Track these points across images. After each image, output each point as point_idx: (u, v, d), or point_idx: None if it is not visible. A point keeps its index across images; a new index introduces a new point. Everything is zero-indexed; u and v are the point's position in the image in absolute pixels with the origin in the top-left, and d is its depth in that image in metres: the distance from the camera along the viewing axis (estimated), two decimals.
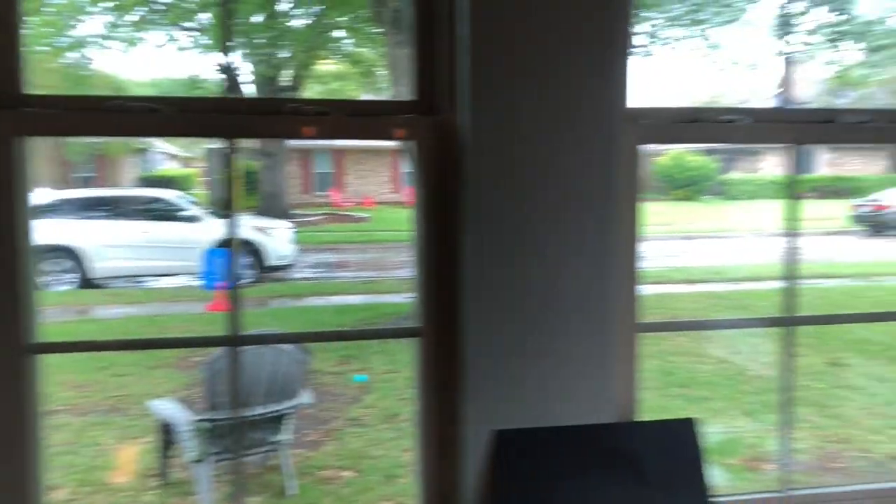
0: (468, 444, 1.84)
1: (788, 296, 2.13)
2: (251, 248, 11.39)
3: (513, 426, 1.81)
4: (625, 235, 1.89)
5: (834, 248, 13.92)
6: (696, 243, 14.68)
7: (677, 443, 1.86)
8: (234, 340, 1.85)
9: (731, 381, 6.75)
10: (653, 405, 6.01)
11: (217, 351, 4.70)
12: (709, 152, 21.56)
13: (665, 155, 21.99)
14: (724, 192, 20.55)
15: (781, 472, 2.18)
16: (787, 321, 2.13)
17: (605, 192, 1.82)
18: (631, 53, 1.89)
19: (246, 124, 1.77)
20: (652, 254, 13.30)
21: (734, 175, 21.60)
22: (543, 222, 1.80)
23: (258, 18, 13.01)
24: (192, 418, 4.48)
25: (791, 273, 2.14)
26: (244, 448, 4.53)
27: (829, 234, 15.42)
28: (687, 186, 21.25)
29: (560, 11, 1.77)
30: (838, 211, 17.11)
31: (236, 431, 4.31)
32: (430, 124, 1.81)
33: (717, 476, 4.46)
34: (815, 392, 6.40)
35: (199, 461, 4.28)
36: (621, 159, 1.85)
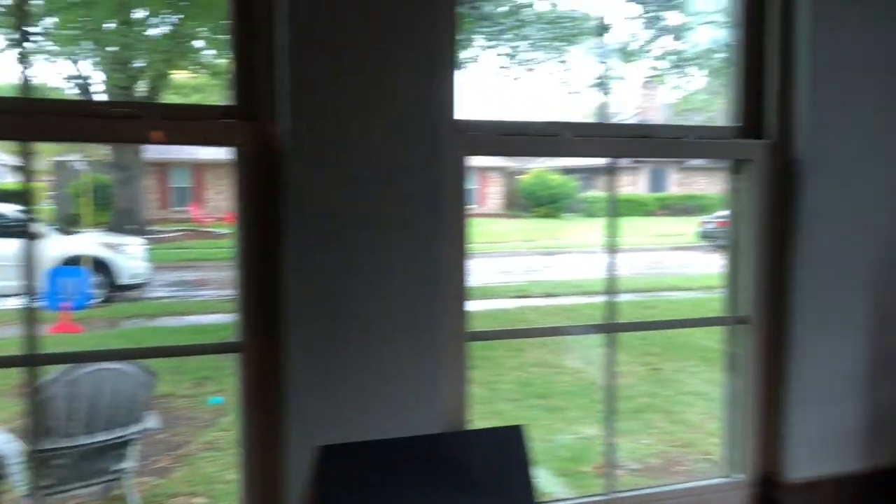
0: (292, 461, 1.78)
1: (610, 306, 2.21)
2: (101, 266, 10.76)
3: (339, 440, 1.77)
4: (453, 245, 1.90)
5: (683, 262, 14.77)
6: (558, 258, 15.18)
7: (505, 450, 1.87)
8: (31, 360, 1.71)
9: (586, 390, 6.97)
10: (512, 416, 6.11)
11: (52, 374, 4.37)
12: (568, 171, 22.41)
13: (528, 174, 22.69)
14: (584, 209, 21.41)
15: (608, 476, 2.25)
16: (612, 328, 2.21)
17: (430, 202, 1.82)
18: (458, 66, 1.91)
19: (44, 126, 1.65)
20: (514, 269, 13.64)
21: (593, 193, 22.54)
22: (368, 233, 1.78)
23: (111, 25, 12.41)
24: (25, 448, 4.13)
25: (612, 285, 2.22)
26: (84, 478, 4.22)
27: (678, 248, 16.37)
28: (549, 204, 21.99)
29: (385, 21, 1.77)
30: (687, 227, 18.19)
31: (74, 460, 4.01)
32: (250, 130, 1.75)
33: (564, 483, 4.59)
34: (663, 399, 6.71)
35: (31, 495, 3.96)
36: (448, 170, 1.86)
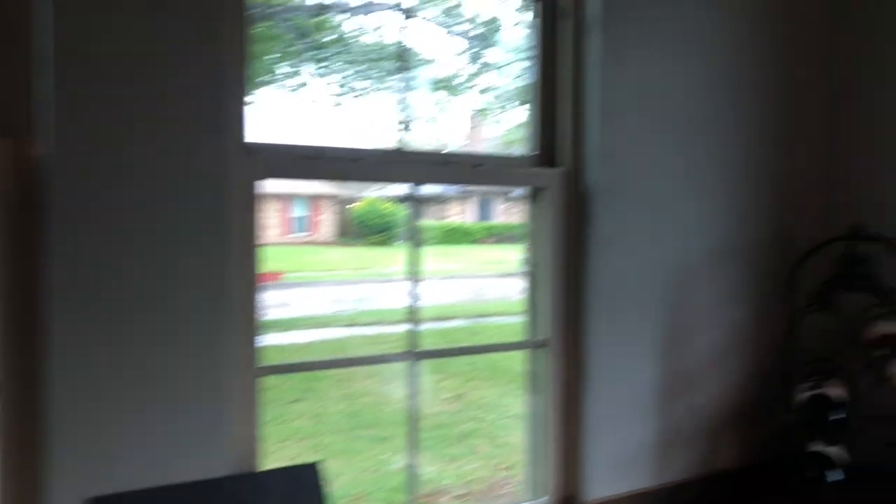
0: None
1: (413, 334, 2.19)
2: None
3: (112, 491, 1.60)
4: (241, 275, 1.79)
5: (508, 288, 15.27)
6: (387, 286, 15.22)
7: (298, 490, 1.78)
8: None
9: (411, 418, 6.95)
10: (339, 448, 5.98)
11: None
12: (401, 200, 22.62)
13: (360, 202, 22.67)
14: (416, 237, 21.68)
15: (409, 501, 2.21)
16: (414, 355, 2.19)
17: (215, 229, 1.72)
18: (253, 87, 1.82)
19: None
20: (345, 297, 13.50)
21: (424, 221, 22.89)
22: (143, 261, 1.64)
23: None
24: None
25: (415, 314, 2.20)
26: None
27: (504, 275, 16.90)
28: (381, 232, 22.05)
29: (165, 35, 1.65)
30: (512, 255, 18.85)
31: None
32: (2, 149, 1.57)
33: None
34: (488, 423, 6.82)
35: None
36: (236, 195, 1.76)
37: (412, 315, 2.19)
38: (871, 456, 2.35)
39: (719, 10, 2.53)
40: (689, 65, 2.48)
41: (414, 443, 2.21)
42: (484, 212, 25.49)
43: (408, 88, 2.14)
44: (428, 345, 2.21)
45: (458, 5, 3.04)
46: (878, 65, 2.67)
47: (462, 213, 24.79)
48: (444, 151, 2.28)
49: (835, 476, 2.28)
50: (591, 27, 2.29)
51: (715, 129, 2.54)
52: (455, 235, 22.51)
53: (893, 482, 2.38)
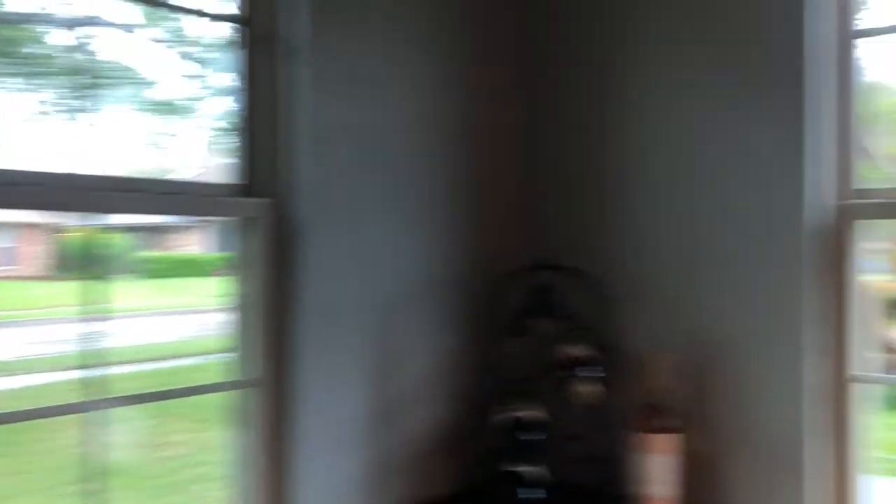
0: None
1: (112, 377, 2.01)
2: None
3: None
4: None
5: (230, 323, 14.72)
6: (106, 324, 14.01)
7: None
8: None
9: (129, 467, 6.45)
10: None
11: None
12: (127, 229, 21.09)
13: (75, 231, 20.79)
14: (140, 270, 20.31)
15: None
16: (114, 401, 2.02)
17: None
18: None
19: None
20: (53, 338, 12.19)
21: (150, 253, 21.51)
22: None
23: None
24: None
25: (124, 354, 2.02)
26: None
27: (228, 309, 16.32)
28: (98, 265, 20.35)
29: None
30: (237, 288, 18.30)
31: None
32: None
33: None
34: (215, 465, 6.48)
35: None
36: None
37: (118, 356, 2.02)
38: (570, 474, 2.54)
39: (424, 45, 2.64)
40: (397, 100, 2.56)
41: (123, 495, 2.01)
42: (221, 242, 24.58)
43: (116, 109, 1.97)
44: (139, 387, 2.03)
45: (179, 28, 2.89)
46: (563, 110, 2.93)
47: (196, 244, 23.66)
48: (141, 178, 2.12)
49: (533, 494, 2.42)
50: (298, 58, 2.28)
51: (421, 164, 2.64)
52: (186, 267, 21.39)
53: (588, 498, 2.58)
